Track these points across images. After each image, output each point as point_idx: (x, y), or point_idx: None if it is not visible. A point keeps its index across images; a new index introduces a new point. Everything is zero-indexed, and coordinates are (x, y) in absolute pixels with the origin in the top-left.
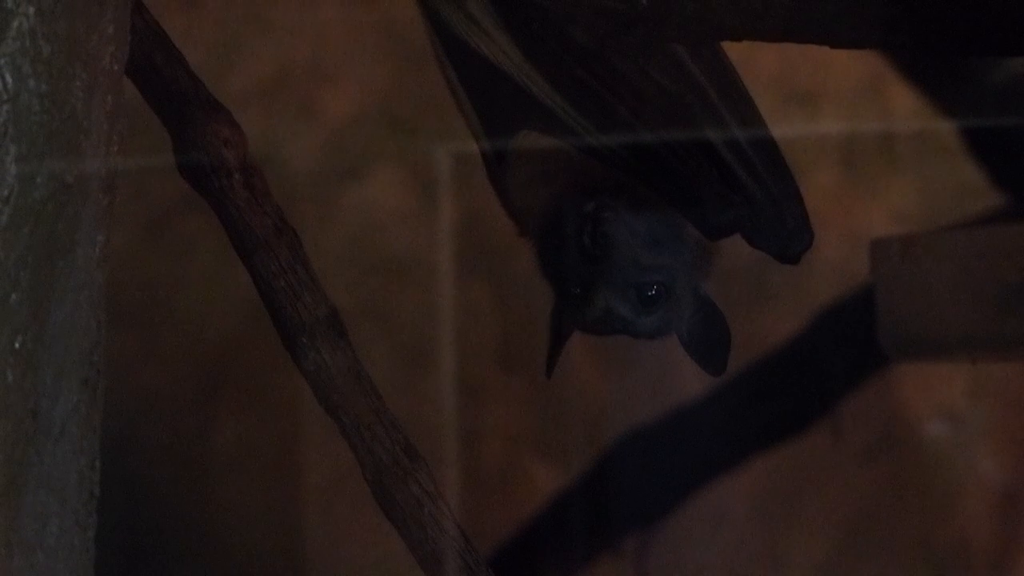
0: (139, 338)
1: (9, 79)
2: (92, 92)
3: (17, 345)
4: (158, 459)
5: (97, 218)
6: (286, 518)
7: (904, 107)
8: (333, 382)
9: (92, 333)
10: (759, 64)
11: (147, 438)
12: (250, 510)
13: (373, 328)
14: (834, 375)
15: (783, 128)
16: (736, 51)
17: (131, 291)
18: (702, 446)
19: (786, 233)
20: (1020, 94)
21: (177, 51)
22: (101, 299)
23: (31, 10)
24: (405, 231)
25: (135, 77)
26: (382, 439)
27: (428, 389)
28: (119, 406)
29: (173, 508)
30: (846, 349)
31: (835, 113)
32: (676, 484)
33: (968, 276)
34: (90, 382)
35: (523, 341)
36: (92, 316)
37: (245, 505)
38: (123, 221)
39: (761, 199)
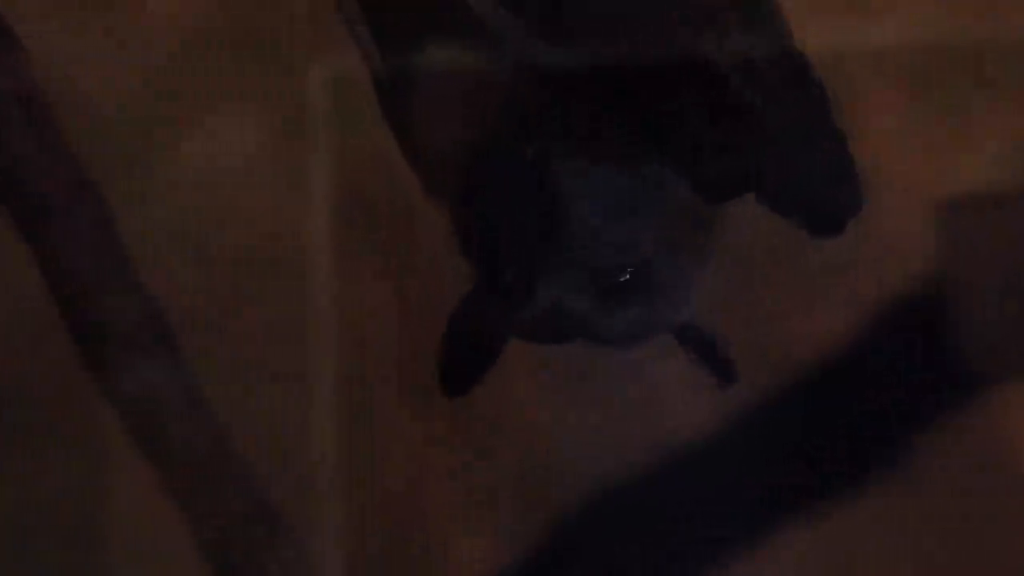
0: None
1: None
2: None
3: None
4: None
5: None
6: None
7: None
8: (154, 413)
9: None
10: None
11: None
12: None
13: (218, 335)
14: (903, 400)
15: (824, 38)
16: None
17: None
18: (709, 510)
19: (823, 192)
20: None
21: None
22: None
23: None
24: (263, 197)
25: None
26: (228, 499)
27: (298, 421)
28: None
29: None
30: (920, 362)
31: (901, 19)
32: (672, 567)
33: None
34: None
35: (432, 349)
36: None
37: None
38: None
39: (784, 141)
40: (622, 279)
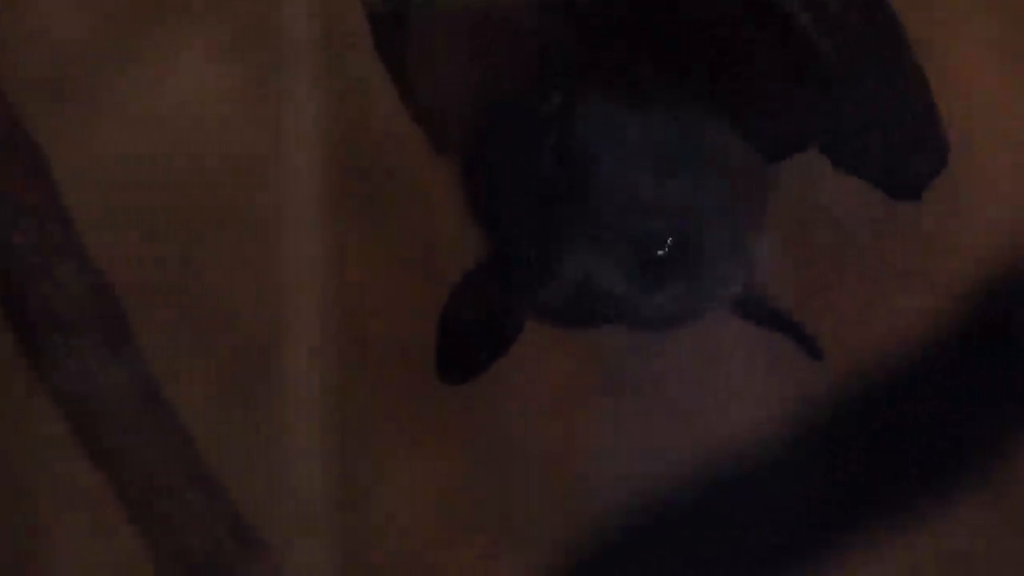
0: None
1: None
2: None
3: None
4: None
5: None
6: None
7: None
8: (105, 412)
9: None
10: None
11: None
12: None
13: (183, 320)
14: (1001, 401)
15: None
16: None
17: None
18: (774, 526)
19: (900, 145)
20: None
21: None
22: None
23: None
24: (234, 149)
25: None
26: (195, 512)
27: (282, 422)
28: None
29: None
30: (1014, 352)
31: None
32: None
33: None
34: None
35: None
36: None
37: None
38: None
39: (854, 86)
40: (662, 250)
